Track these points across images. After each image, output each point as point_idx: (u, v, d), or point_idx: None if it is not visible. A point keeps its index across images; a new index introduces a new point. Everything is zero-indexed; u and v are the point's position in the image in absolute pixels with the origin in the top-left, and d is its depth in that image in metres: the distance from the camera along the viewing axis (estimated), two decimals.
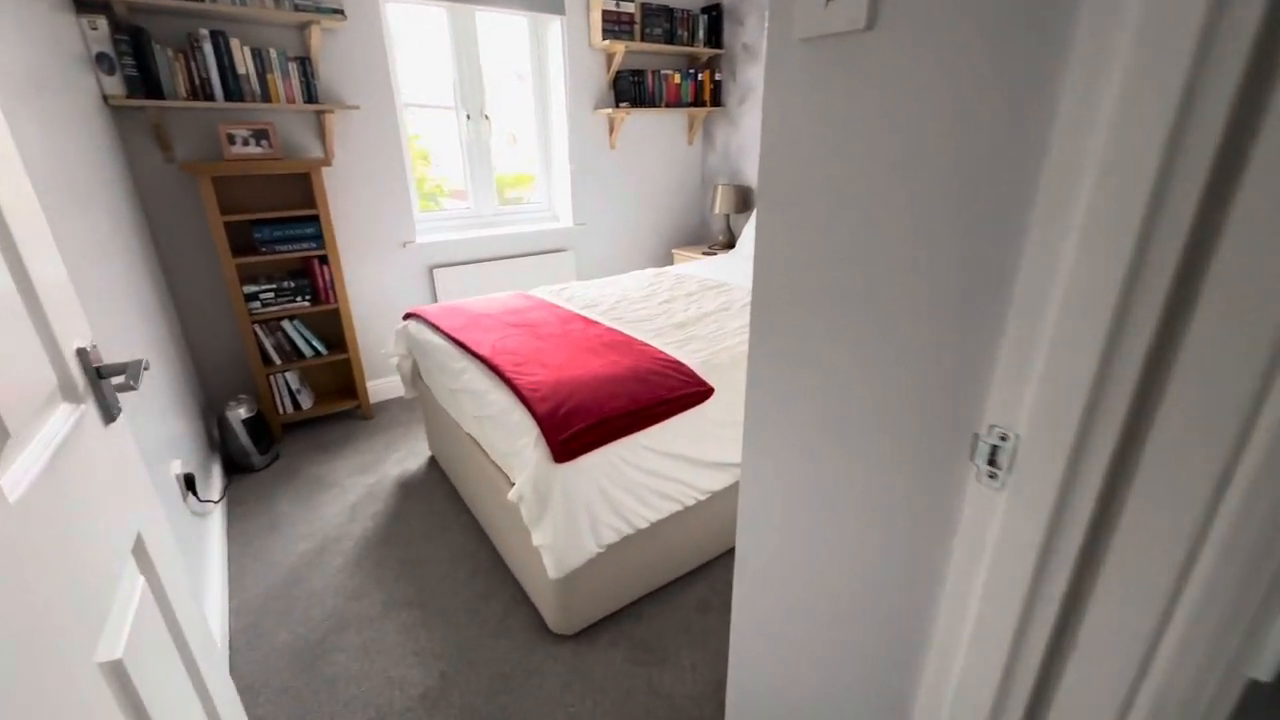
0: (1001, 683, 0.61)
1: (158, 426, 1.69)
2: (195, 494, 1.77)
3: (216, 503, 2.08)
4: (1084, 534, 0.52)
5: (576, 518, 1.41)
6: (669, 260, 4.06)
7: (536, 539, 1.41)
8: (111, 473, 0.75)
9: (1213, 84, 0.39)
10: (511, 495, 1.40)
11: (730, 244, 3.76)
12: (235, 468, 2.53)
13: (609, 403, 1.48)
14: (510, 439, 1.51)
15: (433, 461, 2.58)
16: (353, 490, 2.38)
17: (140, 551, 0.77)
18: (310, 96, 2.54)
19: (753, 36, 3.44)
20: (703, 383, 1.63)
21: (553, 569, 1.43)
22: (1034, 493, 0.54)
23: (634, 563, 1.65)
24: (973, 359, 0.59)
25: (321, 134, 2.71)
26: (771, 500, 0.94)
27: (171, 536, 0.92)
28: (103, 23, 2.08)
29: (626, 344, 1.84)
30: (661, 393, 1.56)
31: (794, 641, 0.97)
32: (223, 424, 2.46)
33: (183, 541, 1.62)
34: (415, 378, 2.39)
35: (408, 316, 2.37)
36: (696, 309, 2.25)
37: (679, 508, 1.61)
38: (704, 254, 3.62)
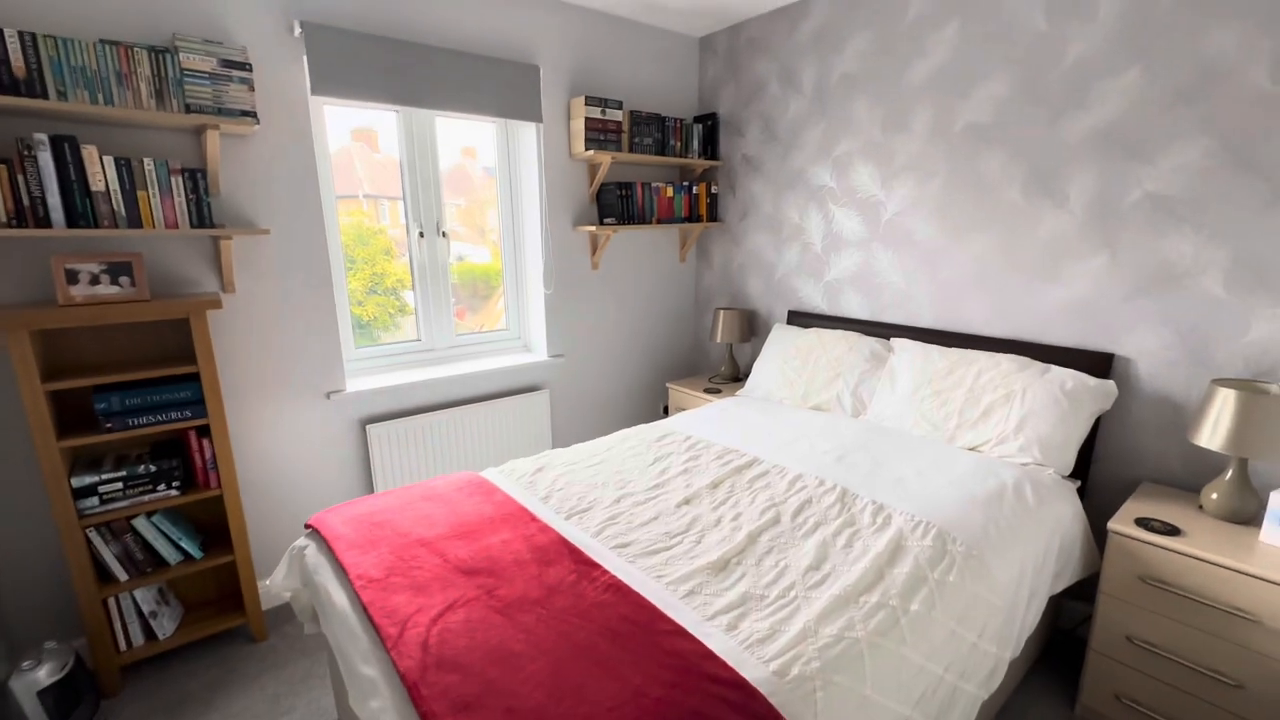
0: None
1: None
2: None
3: None
4: None
5: None
6: (664, 396, 3.44)
7: None
8: None
9: None
10: None
11: (736, 376, 3.17)
12: None
13: None
14: None
15: None
16: None
17: None
18: (202, 219, 1.90)
19: (754, 148, 3.04)
20: None
21: None
22: None
23: None
24: None
25: (217, 262, 2.05)
26: None
27: None
28: None
29: (646, 630, 1.13)
30: None
31: None
32: (6, 700, 1.59)
33: None
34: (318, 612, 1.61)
35: (309, 528, 1.63)
36: (732, 522, 1.57)
37: None
38: (705, 390, 3.01)
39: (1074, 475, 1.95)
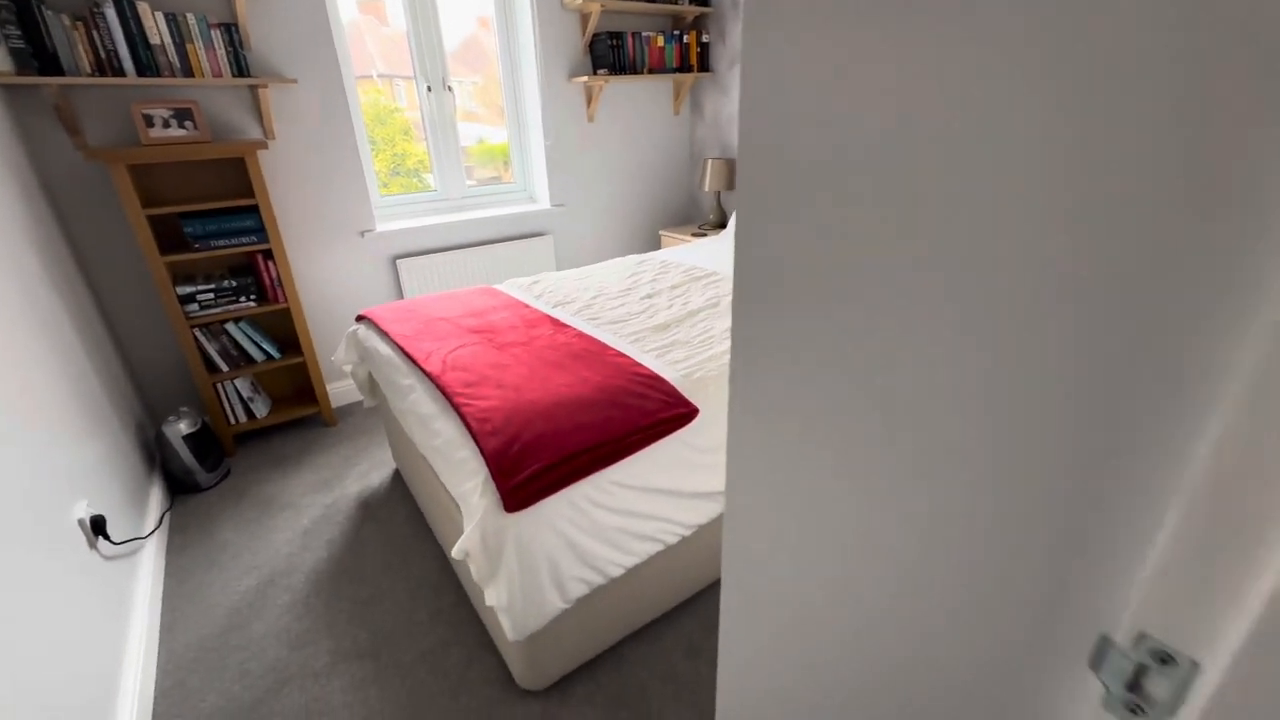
0: None
1: (58, 460, 1.46)
2: (107, 537, 1.54)
3: (145, 538, 1.86)
4: None
5: (536, 573, 1.19)
6: (656, 243, 3.78)
7: (490, 599, 1.19)
8: None
9: None
10: (455, 552, 1.17)
11: (722, 223, 3.48)
12: (180, 487, 2.30)
13: (573, 435, 1.25)
14: (458, 479, 1.28)
15: (397, 475, 2.36)
16: (308, 512, 2.16)
17: None
18: (240, 69, 2.23)
19: None
20: (685, 402, 1.39)
21: (511, 632, 1.21)
22: None
23: (609, 608, 1.43)
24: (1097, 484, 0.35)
25: (258, 112, 2.41)
26: (760, 529, 0.72)
27: None
28: None
29: (598, 354, 1.59)
30: (636, 417, 1.32)
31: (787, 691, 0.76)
32: (161, 441, 2.22)
33: (91, 594, 1.40)
34: (373, 385, 2.15)
35: (360, 319, 2.12)
36: (681, 306, 1.99)
37: (660, 548, 1.39)
38: (694, 235, 3.34)
39: None
